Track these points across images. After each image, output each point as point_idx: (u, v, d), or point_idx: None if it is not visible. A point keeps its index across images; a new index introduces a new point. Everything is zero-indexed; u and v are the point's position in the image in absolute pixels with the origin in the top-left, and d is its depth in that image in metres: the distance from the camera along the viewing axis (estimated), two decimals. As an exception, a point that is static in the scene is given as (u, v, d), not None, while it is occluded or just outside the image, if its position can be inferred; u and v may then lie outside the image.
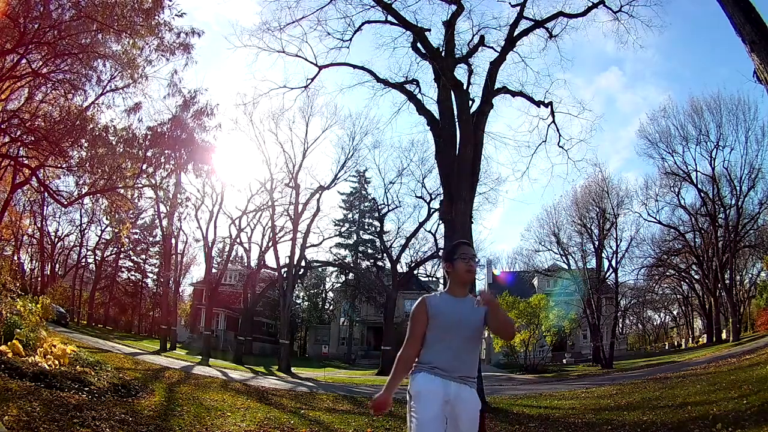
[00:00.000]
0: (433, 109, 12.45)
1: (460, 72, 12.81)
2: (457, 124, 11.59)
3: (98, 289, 44.06)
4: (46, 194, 20.34)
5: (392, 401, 2.37)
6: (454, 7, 12.53)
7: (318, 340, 45.60)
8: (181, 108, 16.71)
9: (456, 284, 2.57)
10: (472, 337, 2.46)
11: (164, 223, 30.01)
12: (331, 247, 40.63)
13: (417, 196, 29.45)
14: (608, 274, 29.06)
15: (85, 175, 14.97)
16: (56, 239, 40.12)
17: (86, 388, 6.43)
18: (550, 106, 13.72)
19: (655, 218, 32.98)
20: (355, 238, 42.31)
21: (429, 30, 12.57)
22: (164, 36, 13.61)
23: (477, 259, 2.59)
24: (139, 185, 16.83)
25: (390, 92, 13.91)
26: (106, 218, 28.09)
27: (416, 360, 2.47)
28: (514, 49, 12.89)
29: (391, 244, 32.97)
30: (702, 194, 30.69)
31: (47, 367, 6.72)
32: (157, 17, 12.82)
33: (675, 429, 6.11)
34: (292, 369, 23.35)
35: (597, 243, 29.22)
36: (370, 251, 41.93)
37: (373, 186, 44.57)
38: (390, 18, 12.80)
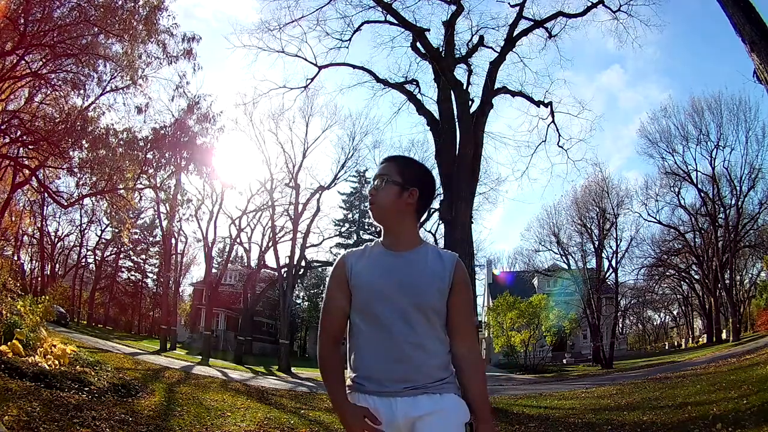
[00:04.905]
0: (433, 109, 12.47)
1: (460, 72, 12.85)
2: (457, 124, 11.60)
3: (98, 289, 44.04)
4: (46, 195, 20.34)
5: (356, 410, 1.51)
6: (453, 7, 12.54)
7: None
8: (185, 112, 16.80)
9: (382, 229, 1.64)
10: (422, 311, 1.52)
11: (164, 223, 30.03)
12: (331, 247, 40.63)
13: (417, 196, 29.36)
14: (608, 274, 29.07)
15: (85, 176, 15.01)
16: (56, 239, 40.12)
17: (86, 388, 6.43)
18: (549, 106, 13.75)
19: (655, 218, 33.01)
20: (355, 238, 42.31)
21: (428, 30, 12.58)
22: (167, 43, 13.80)
23: (393, 181, 1.59)
24: (140, 186, 16.89)
25: (390, 92, 13.94)
26: (107, 218, 28.16)
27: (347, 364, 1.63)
28: (514, 49, 12.92)
29: (392, 244, 32.90)
30: (702, 194, 30.69)
31: (47, 367, 6.71)
32: (155, 23, 12.95)
33: (675, 429, 6.11)
34: (292, 369, 23.34)
35: (597, 243, 29.23)
36: (370, 251, 41.91)
37: (374, 186, 44.54)
38: (389, 18, 12.82)
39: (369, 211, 1.67)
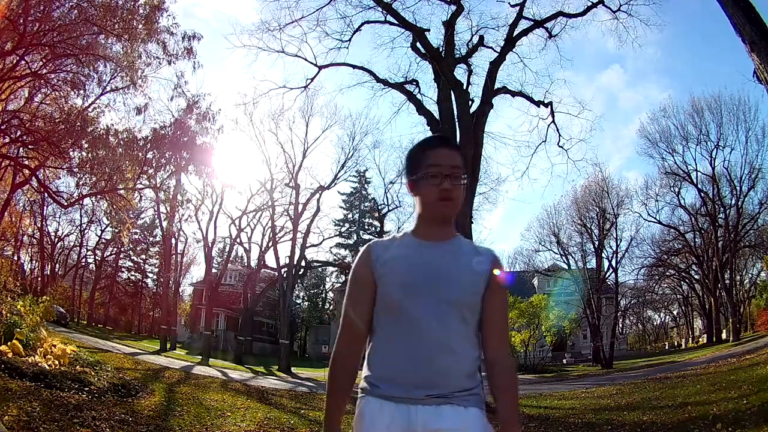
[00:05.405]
0: (433, 109, 12.45)
1: (460, 72, 12.82)
2: (457, 124, 11.59)
3: (98, 289, 44.03)
4: (46, 195, 20.35)
5: None
6: (453, 7, 12.53)
7: (318, 340, 45.60)
8: (185, 111, 16.84)
9: (427, 220, 1.45)
10: (457, 308, 1.36)
11: (164, 223, 30.04)
12: (331, 247, 40.75)
13: (417, 196, 29.39)
14: (608, 274, 29.10)
15: (85, 176, 15.02)
16: (56, 239, 40.09)
17: (86, 388, 6.43)
18: (549, 106, 13.74)
19: (655, 218, 33.00)
20: (355, 238, 42.35)
21: (428, 30, 12.57)
22: (167, 42, 13.83)
23: (464, 177, 1.43)
24: (140, 186, 16.91)
25: (390, 92, 13.91)
26: (107, 218, 28.19)
27: (363, 366, 1.45)
28: (514, 49, 12.91)
29: (392, 244, 32.92)
30: (702, 194, 30.70)
31: (47, 367, 6.71)
32: (156, 23, 12.98)
33: (675, 429, 6.11)
34: (292, 369, 23.35)
35: (597, 243, 29.26)
36: (370, 251, 41.99)
37: (373, 186, 44.77)
38: (389, 18, 12.82)
39: (441, 208, 1.41)
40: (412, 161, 1.48)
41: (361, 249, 1.49)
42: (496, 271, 1.43)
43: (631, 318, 50.51)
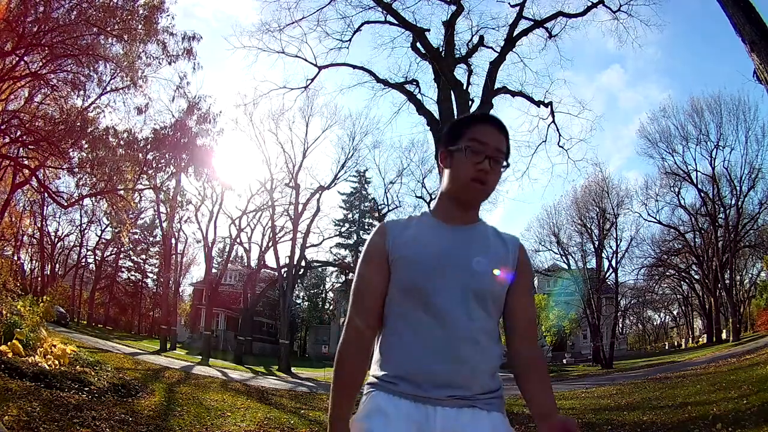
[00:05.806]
0: (433, 109, 12.45)
1: (460, 72, 12.82)
2: (457, 124, 11.57)
3: (98, 289, 44.04)
4: (46, 195, 20.34)
5: None
6: (453, 7, 12.53)
7: (318, 340, 45.63)
8: (185, 113, 16.88)
9: (452, 199, 1.33)
10: (481, 298, 1.22)
11: (164, 224, 30.07)
12: (331, 247, 40.75)
13: (417, 196, 29.44)
14: (608, 274, 29.11)
15: (85, 176, 15.04)
16: (56, 239, 40.09)
17: (86, 388, 6.43)
18: (549, 106, 13.73)
19: (655, 218, 32.99)
20: (355, 238, 42.35)
21: (428, 30, 12.57)
22: (167, 42, 13.87)
23: (505, 162, 1.32)
24: (140, 187, 16.94)
25: (390, 92, 13.91)
26: (107, 219, 28.22)
27: (373, 358, 1.31)
28: (514, 49, 12.91)
29: (392, 244, 32.92)
30: (702, 194, 30.70)
31: (47, 367, 6.72)
32: (155, 24, 13.01)
33: (675, 429, 6.11)
34: (292, 369, 23.36)
35: (597, 243, 29.27)
36: (370, 251, 42.00)
37: (373, 186, 44.75)
38: (389, 18, 12.82)
39: (471, 190, 1.29)
40: (454, 130, 1.35)
41: (375, 227, 1.34)
42: (523, 261, 1.32)
43: (631, 318, 50.51)
